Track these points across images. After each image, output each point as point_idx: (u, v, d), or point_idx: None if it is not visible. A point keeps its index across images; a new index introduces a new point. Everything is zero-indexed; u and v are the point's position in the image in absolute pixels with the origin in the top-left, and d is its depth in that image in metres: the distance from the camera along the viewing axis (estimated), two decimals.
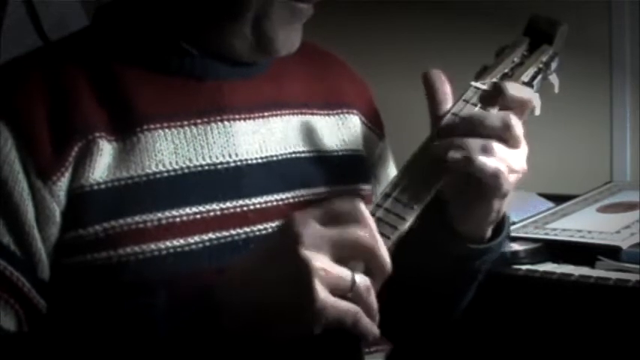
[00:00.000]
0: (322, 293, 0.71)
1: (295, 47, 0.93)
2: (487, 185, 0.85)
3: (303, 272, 0.71)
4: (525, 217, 1.48)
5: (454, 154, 0.83)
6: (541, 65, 0.95)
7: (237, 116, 0.92)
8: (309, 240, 0.72)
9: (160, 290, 0.82)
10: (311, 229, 0.73)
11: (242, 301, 0.75)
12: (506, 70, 0.93)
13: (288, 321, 0.73)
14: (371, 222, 0.75)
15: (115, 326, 0.80)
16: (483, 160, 0.83)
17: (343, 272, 0.73)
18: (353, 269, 0.74)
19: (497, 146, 0.84)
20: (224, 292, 0.76)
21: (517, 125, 0.85)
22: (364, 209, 0.75)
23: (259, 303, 0.74)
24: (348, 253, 0.74)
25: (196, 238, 0.87)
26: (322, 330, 0.72)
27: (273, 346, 0.76)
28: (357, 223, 0.74)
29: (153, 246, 0.85)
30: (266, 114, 0.95)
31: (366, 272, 0.74)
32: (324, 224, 0.74)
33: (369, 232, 0.74)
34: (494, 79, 0.91)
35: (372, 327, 0.74)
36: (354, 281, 0.73)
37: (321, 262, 0.72)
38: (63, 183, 0.85)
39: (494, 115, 0.86)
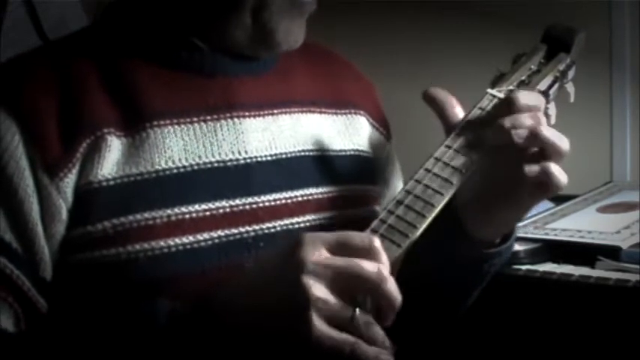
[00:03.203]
0: (318, 324, 0.71)
1: (298, 43, 0.93)
2: (550, 192, 0.87)
3: (301, 300, 0.71)
4: (525, 217, 1.48)
5: (520, 132, 0.83)
6: (558, 74, 0.94)
7: (246, 113, 0.92)
8: (312, 267, 0.72)
9: (164, 292, 0.82)
10: (317, 256, 0.73)
11: (241, 316, 0.75)
12: (522, 78, 0.92)
13: (285, 345, 0.73)
14: (383, 259, 0.74)
15: (113, 328, 0.80)
16: (560, 172, 0.85)
17: (343, 306, 0.72)
18: (361, 301, 0.73)
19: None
20: (225, 303, 0.77)
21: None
22: (378, 245, 0.74)
23: (257, 320, 0.75)
24: (351, 286, 0.73)
25: (205, 236, 0.86)
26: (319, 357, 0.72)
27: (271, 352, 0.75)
28: (367, 258, 0.73)
29: (162, 243, 0.84)
30: (275, 111, 0.95)
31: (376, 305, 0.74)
32: (334, 252, 0.73)
33: (378, 269, 0.73)
34: (511, 87, 0.90)
35: (376, 354, 0.73)
36: (353, 315, 0.72)
37: (321, 291, 0.72)
38: (70, 179, 0.84)
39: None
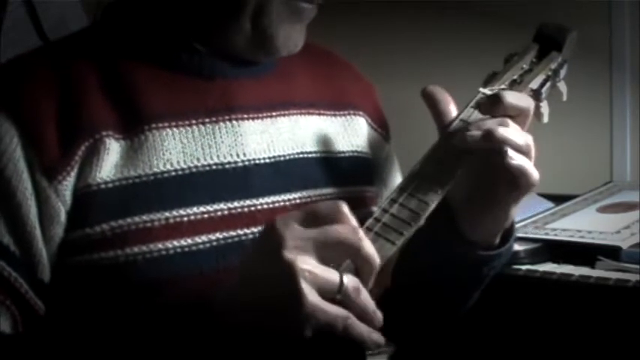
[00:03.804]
0: (310, 295, 0.71)
1: (297, 48, 0.93)
2: (515, 180, 0.85)
3: (289, 275, 0.71)
4: (525, 217, 1.48)
5: (474, 133, 0.83)
6: (550, 72, 0.95)
7: (245, 116, 0.92)
8: (292, 242, 0.72)
9: (162, 294, 0.82)
10: (293, 231, 0.73)
11: (235, 306, 0.75)
12: (514, 77, 0.92)
13: (279, 324, 0.73)
14: (352, 221, 0.74)
15: (112, 330, 0.80)
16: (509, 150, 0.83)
17: (330, 272, 0.72)
18: (341, 271, 0.73)
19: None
20: (223, 304, 0.76)
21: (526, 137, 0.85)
22: (346, 209, 0.75)
23: (256, 318, 0.74)
24: (332, 253, 0.73)
25: (203, 238, 0.86)
26: (313, 334, 0.72)
27: (272, 347, 0.75)
28: (338, 223, 0.74)
29: (160, 245, 0.84)
30: (274, 114, 0.95)
31: (356, 272, 0.74)
32: (306, 226, 0.74)
33: (351, 229, 0.73)
34: (503, 86, 0.90)
35: (368, 333, 0.73)
36: (341, 282, 0.72)
37: (306, 263, 0.72)
38: (69, 182, 0.84)
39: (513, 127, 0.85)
